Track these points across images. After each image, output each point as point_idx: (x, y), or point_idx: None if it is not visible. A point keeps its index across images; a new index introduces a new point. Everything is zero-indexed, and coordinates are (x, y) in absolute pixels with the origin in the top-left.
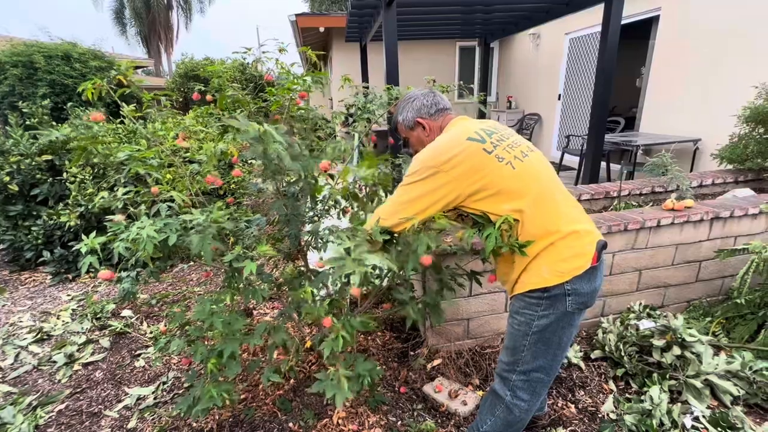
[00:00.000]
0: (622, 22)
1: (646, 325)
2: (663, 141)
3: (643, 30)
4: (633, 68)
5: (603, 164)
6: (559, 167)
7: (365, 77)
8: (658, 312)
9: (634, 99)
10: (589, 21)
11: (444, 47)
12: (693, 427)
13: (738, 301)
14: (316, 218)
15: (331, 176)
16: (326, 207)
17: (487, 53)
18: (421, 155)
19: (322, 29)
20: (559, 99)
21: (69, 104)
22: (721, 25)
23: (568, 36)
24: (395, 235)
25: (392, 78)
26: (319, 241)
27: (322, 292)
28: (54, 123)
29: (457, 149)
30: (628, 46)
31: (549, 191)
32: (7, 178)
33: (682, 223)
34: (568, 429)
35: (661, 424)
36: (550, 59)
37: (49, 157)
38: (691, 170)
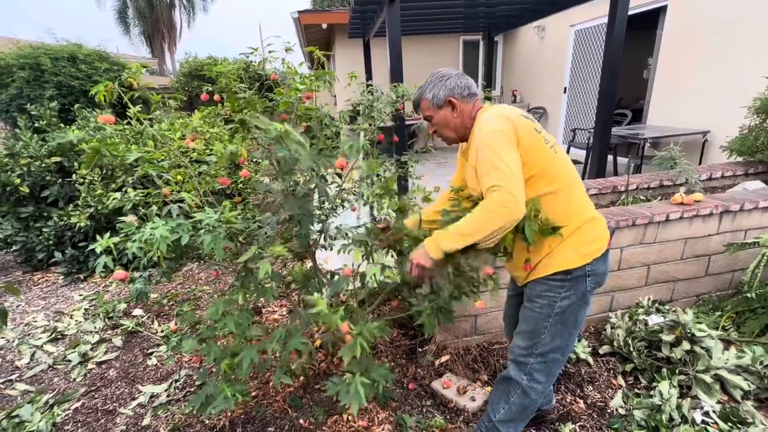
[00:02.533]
0: (629, 12)
1: (654, 320)
2: (671, 134)
3: (651, 20)
4: (640, 60)
5: (610, 158)
6: None
7: (369, 73)
8: (667, 307)
9: (642, 91)
10: (594, 12)
11: (448, 41)
12: (703, 421)
13: (748, 295)
14: (324, 217)
15: (339, 175)
16: (334, 206)
17: (491, 47)
18: (493, 121)
19: (324, 26)
20: (564, 92)
21: (76, 106)
22: (729, 15)
23: (574, 28)
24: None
25: (396, 73)
26: (329, 239)
27: (329, 291)
28: (62, 125)
29: (519, 121)
30: (634, 38)
31: (575, 179)
32: (18, 180)
33: (691, 217)
34: (577, 424)
35: (671, 419)
36: (555, 52)
37: (59, 159)
38: (699, 163)
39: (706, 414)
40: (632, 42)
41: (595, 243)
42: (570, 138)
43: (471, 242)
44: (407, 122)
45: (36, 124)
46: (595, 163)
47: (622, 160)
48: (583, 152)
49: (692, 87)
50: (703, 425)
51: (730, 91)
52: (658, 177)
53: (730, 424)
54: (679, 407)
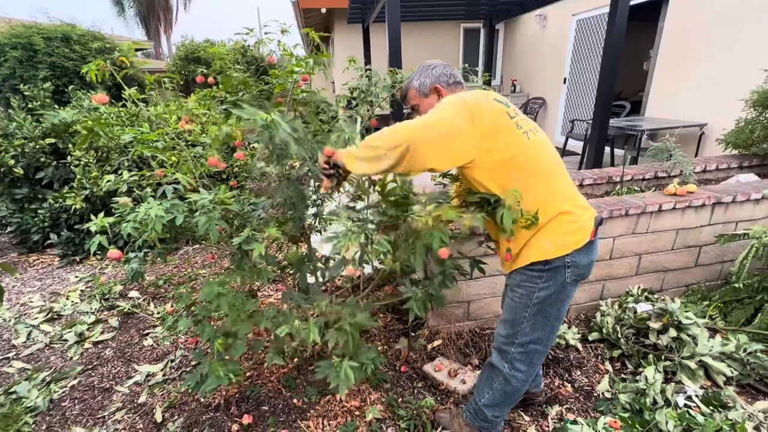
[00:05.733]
0: (631, 2)
1: (643, 308)
2: (668, 126)
3: (653, 11)
4: (641, 51)
5: (607, 149)
6: (563, 152)
7: (368, 59)
8: (656, 296)
9: (641, 83)
10: (597, 1)
11: (448, 29)
12: (686, 405)
13: (736, 285)
14: (319, 202)
15: None
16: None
17: (492, 35)
18: (452, 97)
19: (323, 10)
20: (564, 82)
21: (70, 87)
22: (732, 7)
23: (576, 17)
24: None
25: (395, 60)
26: (323, 223)
27: (326, 275)
28: (56, 106)
29: (487, 102)
30: (636, 28)
31: (553, 168)
32: (12, 162)
33: (683, 208)
34: (564, 407)
35: (655, 402)
36: (556, 41)
37: (53, 141)
38: (696, 155)
39: (689, 398)
40: (633, 33)
41: (575, 234)
42: (568, 129)
43: (364, 152)
44: (404, 109)
45: (29, 105)
46: (592, 154)
47: (619, 152)
48: (581, 144)
49: (692, 79)
50: (685, 408)
51: (729, 84)
52: (653, 168)
53: (711, 407)
54: (663, 391)
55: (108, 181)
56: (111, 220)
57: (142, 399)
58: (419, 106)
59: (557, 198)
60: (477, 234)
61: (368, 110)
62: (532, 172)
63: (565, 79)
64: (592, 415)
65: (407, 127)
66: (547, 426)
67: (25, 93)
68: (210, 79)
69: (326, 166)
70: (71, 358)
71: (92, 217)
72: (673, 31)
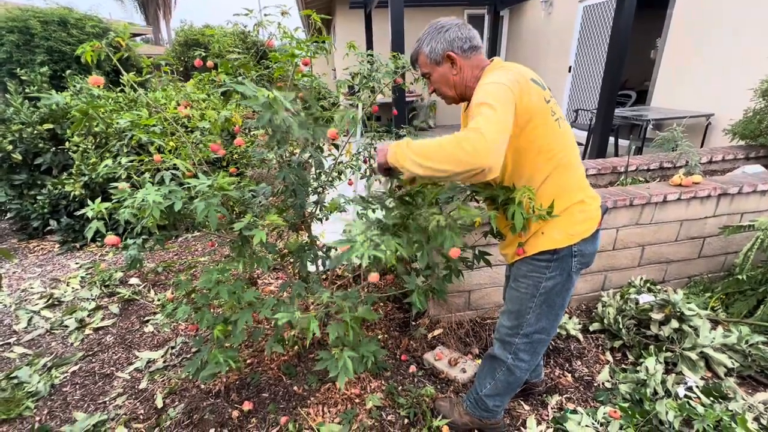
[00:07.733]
0: None
1: (645, 299)
2: (674, 116)
3: None
4: (648, 39)
5: (611, 139)
6: None
7: (370, 46)
8: (658, 287)
9: (648, 72)
10: None
11: (451, 15)
12: (686, 396)
13: (739, 277)
14: (320, 189)
15: (336, 146)
16: (330, 178)
17: (497, 22)
18: (492, 87)
19: None
20: (569, 71)
21: (68, 72)
22: None
23: (582, 4)
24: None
25: (398, 47)
26: (325, 211)
27: (327, 265)
28: (54, 91)
29: (525, 85)
30: (644, 16)
31: (574, 158)
32: (10, 147)
33: (688, 199)
34: (564, 396)
35: (655, 392)
36: (561, 29)
37: (51, 126)
38: (701, 146)
39: (690, 389)
40: (641, 21)
41: (584, 223)
42: (572, 119)
43: (422, 166)
44: (407, 98)
45: (26, 90)
46: (597, 144)
47: (623, 142)
48: (585, 133)
49: (699, 69)
50: (685, 399)
51: (737, 74)
52: (658, 159)
53: (712, 398)
54: (663, 382)
55: (105, 166)
56: (108, 205)
57: (142, 385)
58: (431, 75)
59: (575, 189)
60: (482, 224)
61: (370, 96)
62: (558, 162)
63: (570, 67)
64: (592, 404)
65: (474, 148)
66: (547, 415)
67: (22, 78)
68: (209, 63)
69: (383, 169)
70: (72, 344)
71: (91, 203)
72: (682, 19)
